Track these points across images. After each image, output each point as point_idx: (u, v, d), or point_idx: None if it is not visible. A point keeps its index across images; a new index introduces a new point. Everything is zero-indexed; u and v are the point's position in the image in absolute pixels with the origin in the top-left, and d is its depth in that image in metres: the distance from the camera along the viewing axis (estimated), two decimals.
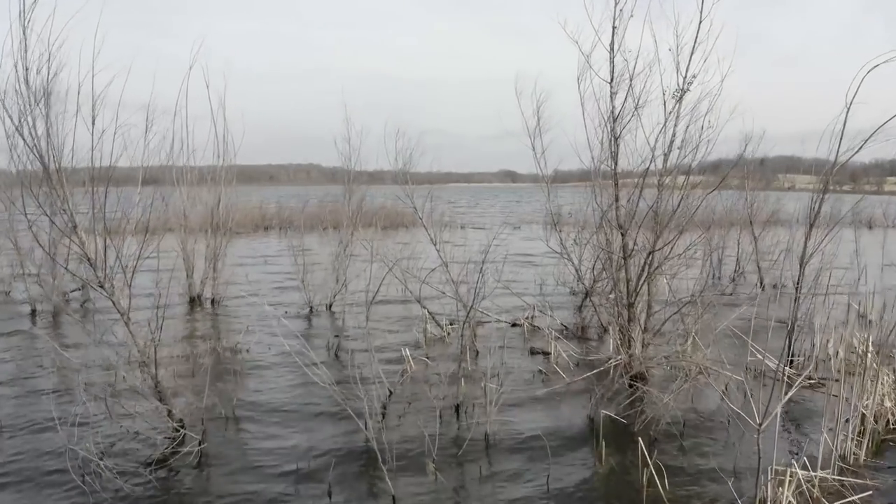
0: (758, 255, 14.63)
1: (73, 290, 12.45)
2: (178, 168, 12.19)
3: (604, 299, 10.07)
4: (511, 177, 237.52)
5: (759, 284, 14.31)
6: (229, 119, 12.58)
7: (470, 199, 78.10)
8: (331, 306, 11.49)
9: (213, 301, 12.23)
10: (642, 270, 6.96)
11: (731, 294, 10.92)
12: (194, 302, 12.36)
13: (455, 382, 6.60)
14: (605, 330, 9.80)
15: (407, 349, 7.82)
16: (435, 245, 9.25)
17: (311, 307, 11.31)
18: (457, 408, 6.46)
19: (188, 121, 11.97)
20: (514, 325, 9.98)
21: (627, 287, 7.11)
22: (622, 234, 7.09)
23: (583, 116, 9.77)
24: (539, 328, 9.71)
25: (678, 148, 7.37)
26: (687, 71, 7.32)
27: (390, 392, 6.73)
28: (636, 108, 7.35)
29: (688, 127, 7.36)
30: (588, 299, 10.04)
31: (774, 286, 14.14)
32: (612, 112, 7.16)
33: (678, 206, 6.81)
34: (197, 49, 11.75)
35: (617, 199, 7.21)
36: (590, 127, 9.07)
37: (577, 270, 9.91)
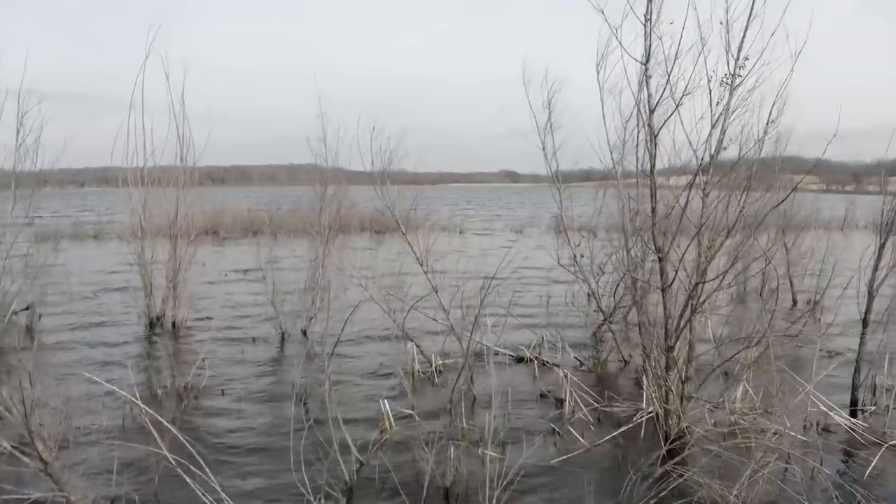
0: (790, 269, 13.04)
1: (21, 310, 10.83)
2: (134, 169, 10.67)
3: (625, 326, 8.53)
4: (512, 177, 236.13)
5: (793, 302, 12.75)
6: (198, 115, 11.05)
7: (470, 200, 76.52)
8: (306, 332, 9.94)
9: (174, 325, 10.67)
10: (686, 306, 5.40)
11: (797, 335, 9.11)
12: (154, 325, 10.82)
13: (445, 451, 5.06)
14: (626, 363, 8.26)
15: (386, 402, 6.26)
16: (422, 266, 7.68)
17: (284, 334, 9.76)
18: (446, 493, 4.92)
19: (146, 117, 10.47)
20: (519, 359, 8.42)
21: (666, 326, 5.55)
22: (659, 258, 5.53)
23: (602, 109, 8.35)
24: (549, 364, 8.15)
25: (724, 147, 5.83)
26: (739, 52, 5.79)
27: (361, 463, 5.17)
28: (675, 97, 5.79)
29: (736, 120, 5.83)
30: (607, 326, 8.49)
31: (808, 303, 12.59)
32: (648, 100, 5.59)
33: (735, 221, 5.24)
34: (153, 36, 10.28)
35: (654, 213, 5.62)
36: (610, 123, 7.63)
37: (594, 296, 8.35)
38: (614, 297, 8.26)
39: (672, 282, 5.41)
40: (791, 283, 12.95)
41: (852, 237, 22.30)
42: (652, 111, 5.44)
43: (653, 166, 5.47)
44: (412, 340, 7.90)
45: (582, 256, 8.29)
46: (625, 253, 7.95)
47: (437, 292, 7.56)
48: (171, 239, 10.68)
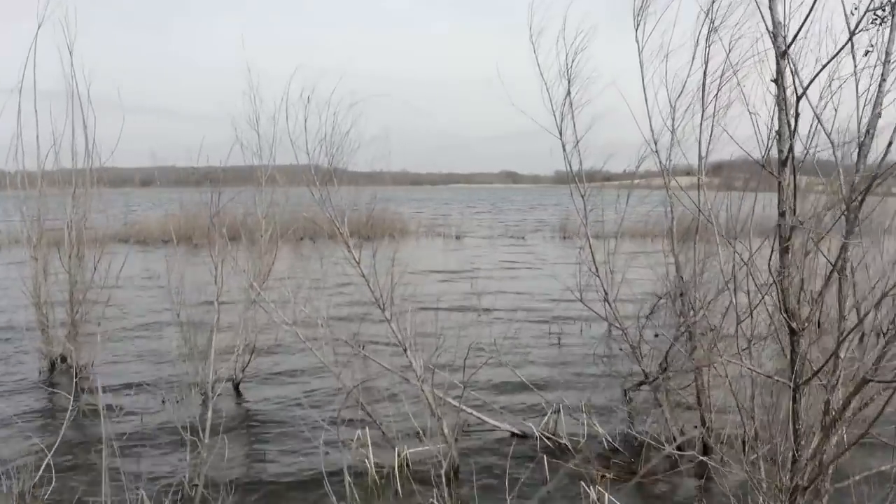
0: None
1: None
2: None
3: (666, 390, 6.06)
4: (513, 177, 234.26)
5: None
6: (104, 101, 8.57)
7: (469, 201, 73.96)
8: (238, 385, 7.45)
9: (76, 370, 8.17)
10: (837, 418, 2.89)
11: None
12: (55, 369, 8.35)
13: None
14: (682, 451, 5.75)
15: None
16: (382, 309, 5.16)
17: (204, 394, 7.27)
18: None
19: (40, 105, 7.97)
20: (521, 436, 5.93)
21: (797, 451, 3.04)
22: (793, 333, 2.99)
23: (642, 84, 5.90)
24: (565, 445, 5.66)
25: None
26: None
27: None
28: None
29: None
30: (652, 392, 5.99)
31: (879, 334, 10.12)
32: (783, 39, 3.05)
33: None
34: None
35: (787, 254, 3.05)
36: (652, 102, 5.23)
37: (636, 353, 5.83)
38: (667, 358, 5.74)
39: (814, 375, 2.89)
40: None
41: None
42: (784, 51, 2.90)
43: (790, 155, 2.95)
44: (365, 405, 5.38)
45: (614, 301, 5.79)
46: (679, 297, 5.48)
47: (406, 351, 5.08)
48: (67, 256, 8.19)
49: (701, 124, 5.27)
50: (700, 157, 5.36)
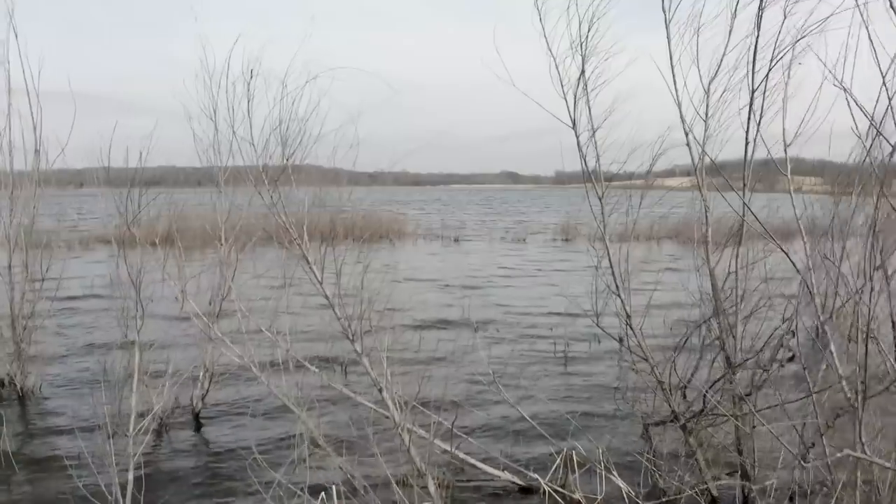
0: None
1: None
2: None
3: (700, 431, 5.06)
4: (513, 178, 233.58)
5: None
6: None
7: (469, 202, 72.90)
8: (198, 415, 6.44)
9: (21, 394, 7.18)
10: None
11: None
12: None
13: None
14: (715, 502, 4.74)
15: None
16: (352, 340, 4.15)
17: (162, 421, 6.24)
18: None
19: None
20: (526, 489, 4.91)
21: None
22: None
23: (669, 62, 4.91)
24: (578, 502, 4.65)
25: None
26: None
27: None
28: None
29: None
30: (683, 431, 4.97)
31: None
32: None
33: None
34: None
35: None
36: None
37: (665, 392, 4.79)
38: (705, 396, 4.71)
39: None
40: None
41: None
42: None
43: None
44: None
45: (639, 328, 4.77)
46: (719, 318, 4.47)
47: (381, 390, 4.07)
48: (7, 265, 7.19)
49: (750, 109, 4.26)
50: (748, 142, 4.36)
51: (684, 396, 5.20)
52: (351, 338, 4.05)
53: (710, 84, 5.15)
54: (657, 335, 5.29)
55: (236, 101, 4.15)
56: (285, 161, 3.90)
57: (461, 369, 7.40)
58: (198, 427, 6.32)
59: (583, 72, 4.49)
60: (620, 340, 5.02)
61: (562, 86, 4.32)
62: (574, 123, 4.43)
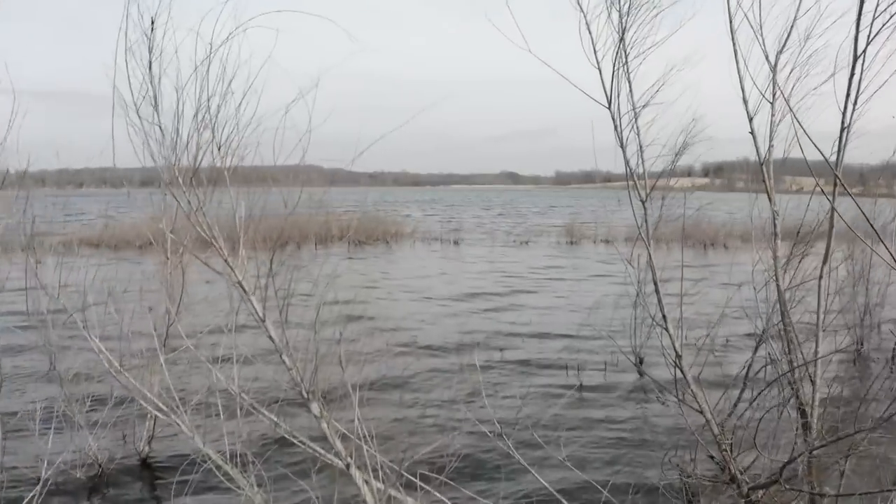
0: None
1: None
2: None
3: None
4: (513, 178, 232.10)
5: None
6: None
7: (468, 202, 71.54)
8: (146, 461, 5.35)
9: None
10: None
11: None
12: None
13: None
14: None
15: None
16: (296, 384, 3.05)
17: (101, 468, 5.14)
18: None
19: None
20: None
21: None
22: None
23: (729, 27, 3.86)
24: None
25: None
26: None
27: None
28: None
29: None
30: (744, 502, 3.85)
31: None
32: None
33: None
34: None
35: None
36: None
37: (723, 451, 3.66)
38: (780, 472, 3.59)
39: None
40: None
41: None
42: None
43: None
44: None
45: (698, 379, 3.68)
46: (789, 355, 3.39)
47: (350, 468, 2.97)
48: None
49: (849, 84, 3.18)
50: (844, 127, 3.28)
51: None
52: (306, 394, 2.95)
53: (777, 57, 4.09)
54: (701, 365, 4.17)
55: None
56: (213, 152, 2.80)
57: (457, 413, 6.16)
58: (146, 478, 5.23)
59: (622, 37, 3.39)
60: (677, 396, 3.87)
61: (594, 50, 3.23)
62: (610, 101, 3.33)
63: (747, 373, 3.84)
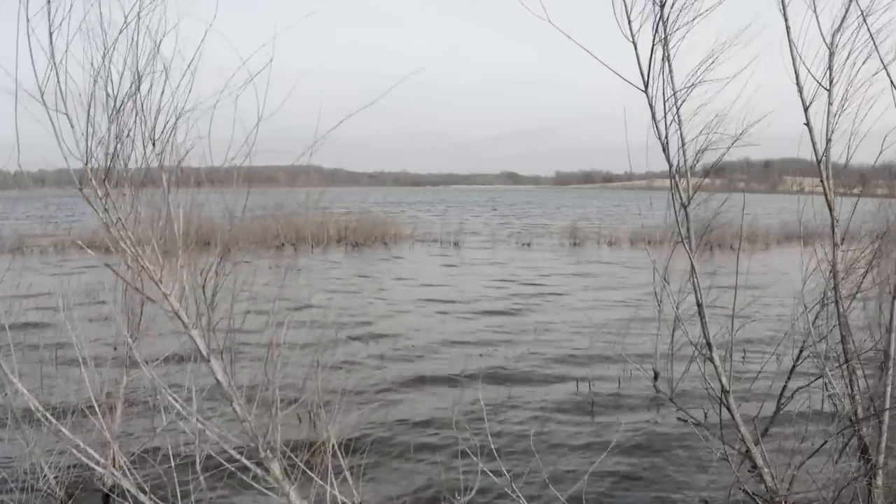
0: None
1: None
2: None
3: None
4: (513, 178, 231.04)
5: None
6: None
7: (467, 203, 70.72)
8: (112, 493, 4.76)
9: None
10: None
11: None
12: None
13: None
14: None
15: None
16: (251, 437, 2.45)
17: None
18: None
19: None
20: None
21: None
22: None
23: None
24: None
25: None
26: None
27: None
28: None
29: None
30: None
31: None
32: None
33: None
34: None
35: None
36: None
37: None
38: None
39: None
40: None
41: None
42: None
43: None
44: None
45: (734, 409, 3.09)
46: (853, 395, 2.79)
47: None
48: None
49: None
50: None
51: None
52: (264, 450, 2.32)
53: (833, 38, 3.51)
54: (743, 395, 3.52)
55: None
56: (145, 147, 2.21)
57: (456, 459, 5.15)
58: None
59: (661, 10, 2.80)
60: (722, 440, 3.26)
61: (629, 21, 2.64)
62: (647, 82, 2.74)
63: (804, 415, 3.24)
